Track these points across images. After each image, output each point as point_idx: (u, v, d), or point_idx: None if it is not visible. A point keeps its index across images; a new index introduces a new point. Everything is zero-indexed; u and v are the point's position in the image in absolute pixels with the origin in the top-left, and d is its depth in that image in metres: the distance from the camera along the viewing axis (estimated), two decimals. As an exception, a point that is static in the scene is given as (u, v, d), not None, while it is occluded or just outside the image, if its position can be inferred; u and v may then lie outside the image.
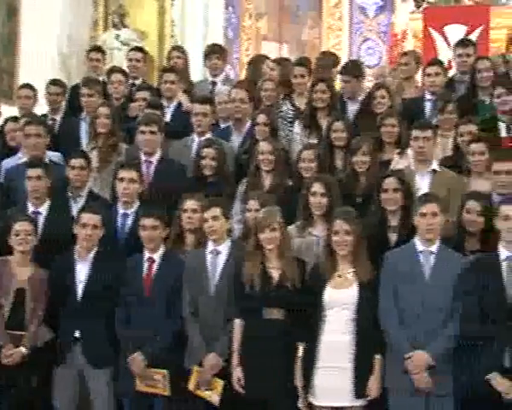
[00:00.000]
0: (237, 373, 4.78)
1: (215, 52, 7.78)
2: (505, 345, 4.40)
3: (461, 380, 4.54)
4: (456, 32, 10.04)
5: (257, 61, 7.50)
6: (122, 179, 5.54)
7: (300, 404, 4.72)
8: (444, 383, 4.53)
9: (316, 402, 4.68)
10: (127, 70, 7.68)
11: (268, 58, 7.72)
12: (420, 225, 4.70)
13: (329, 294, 4.69)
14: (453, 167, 5.68)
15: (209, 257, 5.06)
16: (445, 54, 9.36)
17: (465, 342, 4.51)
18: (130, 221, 5.52)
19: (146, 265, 5.15)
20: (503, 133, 6.08)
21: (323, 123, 6.34)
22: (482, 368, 4.43)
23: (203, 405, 4.88)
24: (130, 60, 7.82)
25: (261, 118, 6.26)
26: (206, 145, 5.99)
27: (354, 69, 7.07)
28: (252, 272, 4.80)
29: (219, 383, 4.83)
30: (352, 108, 6.78)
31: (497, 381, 4.38)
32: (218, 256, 5.05)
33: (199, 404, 4.90)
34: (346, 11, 12.04)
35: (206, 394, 4.85)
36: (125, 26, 11.01)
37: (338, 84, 7.28)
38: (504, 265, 4.53)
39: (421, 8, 11.08)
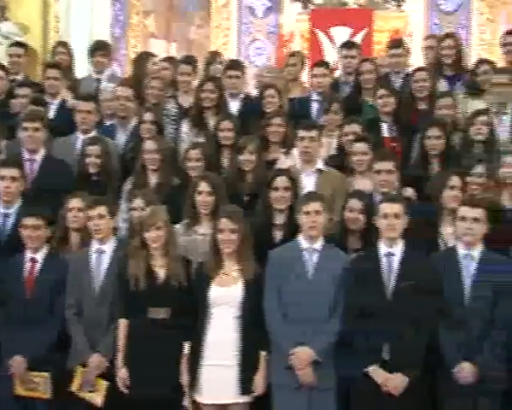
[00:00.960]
0: (122, 374, 4.73)
1: (99, 49, 7.67)
2: (384, 338, 4.52)
3: (342, 374, 4.64)
4: (341, 34, 10.29)
5: (142, 59, 7.43)
6: (3, 178, 5.38)
7: (186, 402, 4.72)
8: (326, 378, 4.61)
9: (201, 400, 4.68)
10: (7, 65, 7.46)
11: (154, 56, 7.67)
12: (304, 223, 4.76)
13: (215, 292, 4.70)
14: (338, 167, 5.79)
15: (93, 257, 5.00)
16: (331, 55, 9.56)
17: (347, 337, 4.61)
18: (11, 221, 5.36)
19: (28, 265, 5.03)
20: (385, 133, 6.25)
21: (211, 122, 6.35)
22: (362, 361, 4.54)
23: (85, 407, 4.80)
24: (11, 55, 7.62)
25: (147, 116, 6.22)
26: (90, 143, 5.92)
27: (238, 66, 7.11)
28: (137, 270, 4.76)
29: (103, 384, 4.77)
30: (234, 106, 6.81)
31: (376, 373, 4.50)
32: (102, 256, 4.99)
33: (81, 406, 4.81)
34: (234, 11, 12.08)
35: (89, 395, 4.78)
36: (5, 20, 10.66)
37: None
38: (384, 261, 4.64)
39: (307, 10, 11.24)
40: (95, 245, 5.01)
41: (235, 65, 7.18)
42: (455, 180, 5.06)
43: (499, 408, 4.57)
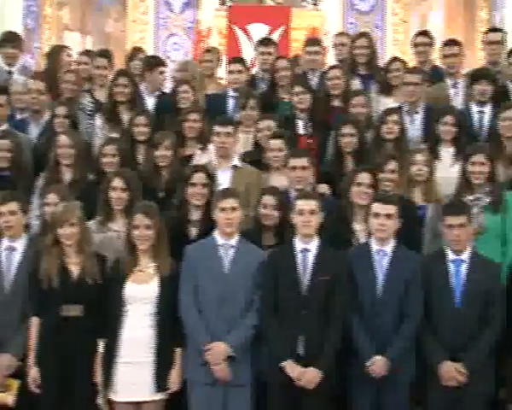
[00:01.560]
0: (33, 373, 4.65)
1: (9, 40, 7.48)
2: (299, 333, 4.57)
3: (258, 369, 4.69)
4: (259, 30, 10.31)
5: (56, 52, 7.30)
6: None
7: (100, 400, 4.66)
8: (242, 373, 4.64)
9: (115, 398, 4.64)
10: None
11: (68, 49, 7.55)
12: (219, 219, 4.77)
13: (130, 289, 4.67)
14: (253, 163, 5.82)
15: (4, 254, 4.90)
16: (249, 51, 9.58)
17: (262, 332, 4.65)
18: None
19: None
20: (301, 130, 6.30)
21: (125, 117, 6.29)
22: (277, 356, 4.58)
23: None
24: None
25: (61, 110, 6.13)
26: (0, 137, 5.78)
27: (157, 61, 7.06)
28: (50, 267, 4.68)
29: (14, 384, 4.68)
30: (150, 102, 6.76)
31: (291, 368, 4.54)
32: (13, 253, 4.90)
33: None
34: (151, 5, 11.99)
35: (0, 395, 4.67)
36: None
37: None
38: (299, 257, 4.69)
39: (225, 6, 11.24)
40: (5, 242, 4.90)
41: (156, 62, 7.14)
42: (362, 177, 5.12)
43: (408, 399, 4.68)
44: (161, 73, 7.12)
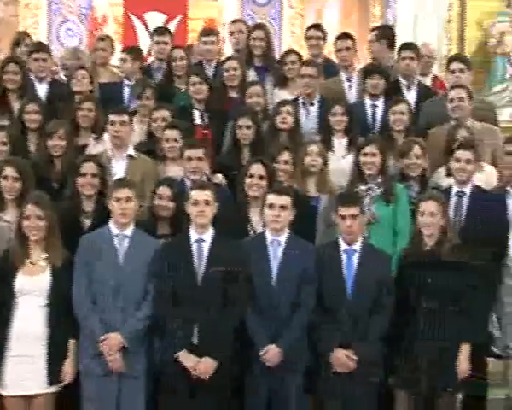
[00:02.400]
0: None
1: None
2: (193, 323, 4.58)
3: (152, 360, 4.69)
4: (155, 19, 10.27)
5: None
6: None
7: (-10, 396, 4.56)
8: (136, 364, 4.63)
9: (5, 393, 4.55)
10: None
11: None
12: (114, 209, 4.74)
13: (20, 281, 4.58)
14: (149, 153, 5.79)
15: None
16: (146, 40, 9.52)
17: (158, 322, 4.64)
18: None
19: None
20: (197, 121, 6.31)
21: (16, 105, 6.14)
22: (172, 346, 4.58)
23: None
24: None
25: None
26: None
27: (44, 49, 6.91)
28: None
29: None
30: (42, 90, 6.61)
31: (186, 358, 4.55)
32: None
33: None
34: (43, -11, 11.69)
35: None
36: None
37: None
38: (194, 247, 4.70)
39: (122, -7, 11.09)
40: None
41: (41, 47, 6.97)
42: (254, 168, 5.19)
43: (302, 387, 4.76)
44: (44, 60, 6.77)
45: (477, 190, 5.31)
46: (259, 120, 6.05)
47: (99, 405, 4.60)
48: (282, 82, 6.83)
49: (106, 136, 5.80)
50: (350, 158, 5.68)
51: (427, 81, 7.30)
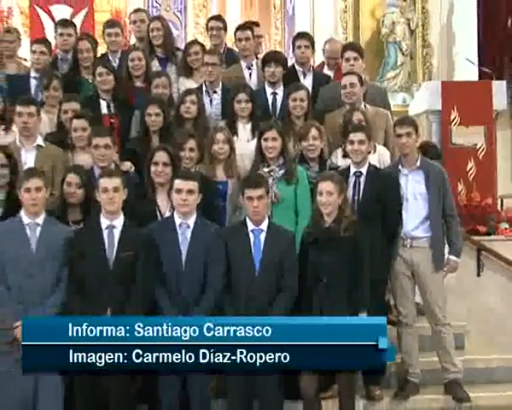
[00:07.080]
0: None
1: None
2: (105, 308, 4.68)
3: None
4: (62, 12, 10.23)
5: None
6: None
7: None
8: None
9: None
10: None
11: None
12: (24, 199, 4.82)
13: None
14: (58, 143, 5.87)
15: None
16: (52, 33, 9.48)
17: (69, 309, 4.73)
18: None
19: None
20: (104, 110, 6.42)
21: None
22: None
23: None
24: None
25: None
26: None
27: None
28: None
29: None
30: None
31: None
32: None
33: None
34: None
35: None
36: None
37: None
38: (105, 233, 4.84)
39: (26, -14, 11.00)
40: None
41: None
42: (158, 156, 5.34)
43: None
44: None
45: (372, 169, 5.56)
46: (166, 107, 6.19)
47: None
48: (187, 71, 6.98)
49: (15, 126, 5.84)
50: (254, 142, 5.84)
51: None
